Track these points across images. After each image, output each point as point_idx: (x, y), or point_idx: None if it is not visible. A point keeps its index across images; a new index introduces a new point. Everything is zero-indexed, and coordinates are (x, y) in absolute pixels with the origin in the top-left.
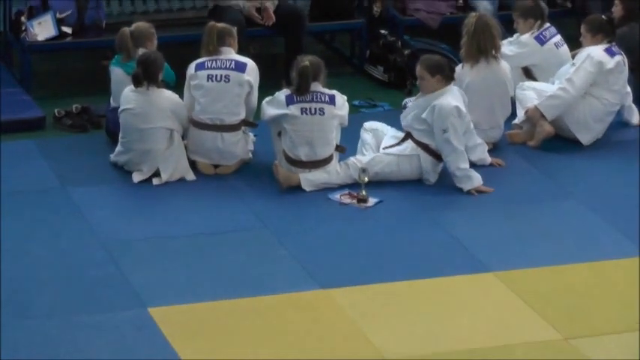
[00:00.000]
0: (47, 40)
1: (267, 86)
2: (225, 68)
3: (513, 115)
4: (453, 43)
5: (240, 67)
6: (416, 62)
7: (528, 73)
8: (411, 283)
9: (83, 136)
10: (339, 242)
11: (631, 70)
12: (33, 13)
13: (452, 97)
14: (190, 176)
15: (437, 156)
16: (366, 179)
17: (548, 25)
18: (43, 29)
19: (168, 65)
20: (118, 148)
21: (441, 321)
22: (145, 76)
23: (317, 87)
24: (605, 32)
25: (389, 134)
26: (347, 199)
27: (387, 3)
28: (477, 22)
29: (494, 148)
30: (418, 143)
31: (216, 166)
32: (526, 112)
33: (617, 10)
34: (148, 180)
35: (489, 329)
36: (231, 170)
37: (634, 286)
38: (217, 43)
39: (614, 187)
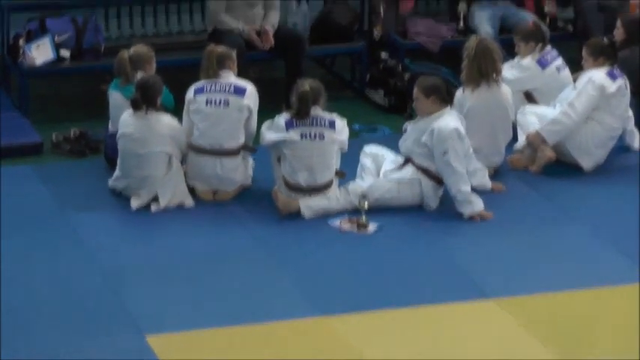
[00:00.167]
0: (45, 64)
1: (267, 110)
2: (225, 92)
3: (514, 139)
4: (454, 67)
5: (240, 92)
6: None
7: (529, 97)
8: (412, 310)
9: (81, 162)
10: (340, 268)
11: (633, 93)
12: (31, 37)
13: (451, 119)
14: (189, 202)
15: (438, 180)
16: (367, 205)
17: (549, 48)
18: (41, 53)
19: (167, 89)
20: (117, 173)
21: (441, 349)
22: (143, 101)
23: (317, 111)
24: (607, 55)
25: (389, 159)
26: (347, 225)
27: (388, 26)
28: (478, 45)
29: (495, 174)
30: (419, 168)
31: (215, 192)
32: (527, 137)
33: (618, 33)
34: (147, 205)
35: (490, 358)
36: (231, 196)
37: (636, 313)
38: (217, 67)
39: (616, 212)
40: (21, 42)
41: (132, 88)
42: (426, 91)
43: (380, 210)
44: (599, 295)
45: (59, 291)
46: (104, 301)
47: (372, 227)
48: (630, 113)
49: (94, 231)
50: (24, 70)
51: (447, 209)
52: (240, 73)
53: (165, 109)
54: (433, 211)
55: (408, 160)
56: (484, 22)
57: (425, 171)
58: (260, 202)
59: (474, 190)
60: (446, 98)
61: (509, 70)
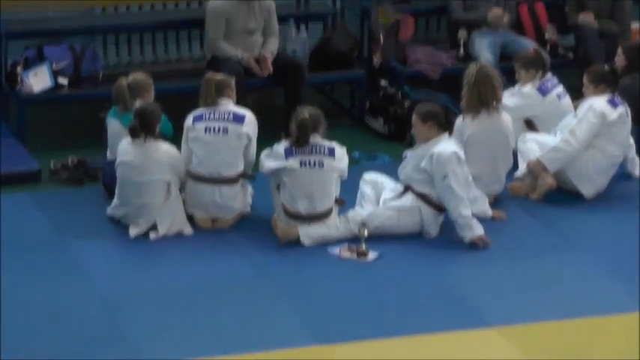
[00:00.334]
0: (43, 91)
1: (266, 138)
2: (224, 120)
3: (515, 167)
4: (454, 95)
5: (239, 119)
6: None
7: (530, 125)
8: (412, 339)
9: (80, 189)
10: (339, 296)
11: (634, 121)
12: (29, 64)
13: (449, 144)
14: (188, 230)
15: (438, 207)
16: (366, 233)
17: (550, 75)
18: (38, 80)
19: (166, 117)
20: (115, 201)
21: None
22: (142, 129)
23: (316, 139)
24: (608, 83)
25: (388, 187)
26: (346, 254)
27: (388, 54)
28: (478, 72)
29: (496, 201)
30: (418, 195)
31: (214, 220)
32: (528, 165)
33: (619, 60)
34: (145, 233)
35: None
36: (230, 224)
37: (636, 342)
38: (215, 95)
39: (617, 240)
40: (19, 69)
41: (130, 116)
42: (423, 117)
43: (380, 238)
44: (600, 323)
45: (57, 318)
46: (102, 329)
47: (371, 255)
48: (631, 141)
49: (93, 259)
50: (22, 98)
51: (447, 237)
52: (239, 101)
53: (164, 137)
54: (433, 239)
55: (407, 188)
56: (484, 50)
57: (425, 198)
58: (259, 230)
59: (474, 216)
60: (443, 124)
61: (509, 98)
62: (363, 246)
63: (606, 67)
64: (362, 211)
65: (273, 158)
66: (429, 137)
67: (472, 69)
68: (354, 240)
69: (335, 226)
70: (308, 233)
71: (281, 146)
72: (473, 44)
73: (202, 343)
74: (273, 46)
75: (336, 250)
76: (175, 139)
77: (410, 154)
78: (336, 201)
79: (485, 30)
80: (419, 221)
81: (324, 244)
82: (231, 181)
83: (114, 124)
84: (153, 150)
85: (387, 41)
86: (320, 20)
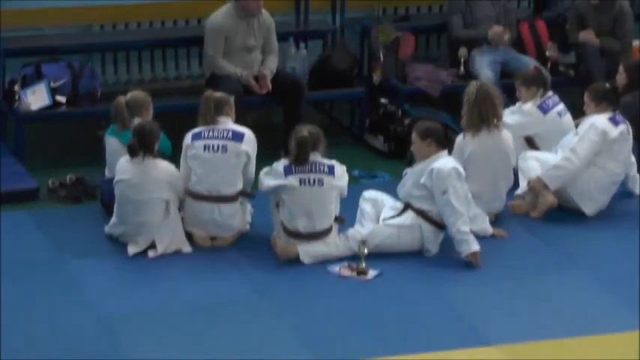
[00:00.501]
0: (41, 109)
1: (266, 156)
2: (223, 138)
3: (516, 185)
4: (454, 112)
5: (238, 137)
6: None
7: (531, 143)
8: (412, 357)
9: (78, 208)
10: (339, 315)
11: (635, 139)
12: (26, 82)
13: (449, 160)
14: (187, 248)
15: (438, 224)
16: (366, 251)
17: (551, 93)
18: (36, 98)
19: (164, 135)
20: (113, 219)
21: None
22: (140, 147)
23: (316, 157)
24: (609, 101)
25: (388, 205)
26: (346, 272)
27: (388, 71)
28: (478, 90)
29: (496, 219)
30: (418, 212)
31: (213, 238)
32: (529, 183)
33: (620, 78)
34: (144, 252)
35: None
36: (229, 242)
37: None
38: (214, 113)
39: (618, 258)
40: (16, 87)
41: (129, 134)
42: (422, 134)
43: (380, 256)
44: (601, 342)
45: (56, 337)
46: (100, 347)
47: (371, 273)
48: (633, 159)
49: (91, 277)
50: (20, 116)
51: (448, 254)
52: (238, 119)
53: (163, 155)
54: (433, 257)
55: (407, 206)
56: (485, 67)
57: (425, 215)
58: (258, 248)
59: (474, 234)
60: (442, 142)
61: (510, 116)
62: (363, 264)
63: (607, 84)
64: (362, 229)
65: (273, 176)
66: (427, 154)
67: (472, 87)
68: (353, 258)
69: (335, 244)
70: (307, 251)
71: (280, 164)
72: (473, 62)
73: None
74: (272, 64)
75: (335, 268)
76: (174, 157)
77: (409, 172)
78: (336, 219)
79: (486, 48)
80: (419, 239)
81: (323, 262)
82: (230, 199)
83: (112, 142)
84: (151, 168)
85: (387, 59)
86: (320, 38)
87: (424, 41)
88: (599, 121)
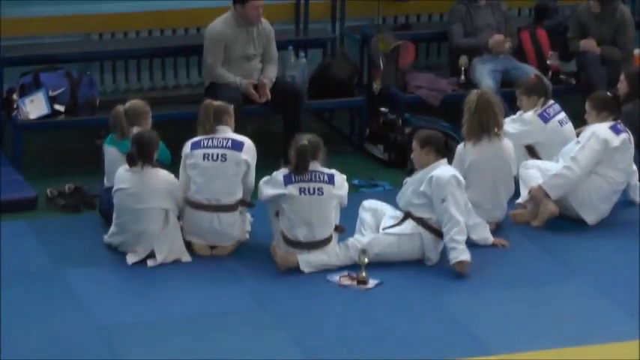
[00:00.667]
0: (39, 118)
1: (265, 165)
2: (222, 147)
3: (517, 194)
4: (455, 121)
5: (237, 146)
6: None
7: (532, 152)
8: None
9: (76, 217)
10: (339, 325)
11: (637, 147)
12: (25, 91)
13: (448, 168)
14: (186, 257)
15: (438, 233)
16: (366, 260)
17: (552, 102)
18: (35, 107)
19: (163, 144)
20: (112, 229)
21: None
22: (139, 156)
23: (316, 166)
24: (611, 109)
25: (388, 214)
26: (346, 281)
27: (388, 80)
28: (479, 99)
29: (497, 229)
30: (418, 221)
31: (212, 247)
32: (530, 192)
33: (622, 86)
34: (143, 261)
35: None
36: (228, 251)
37: None
38: (214, 122)
39: (619, 267)
40: (15, 96)
41: (128, 143)
42: (422, 142)
43: (380, 265)
44: (601, 351)
45: (54, 347)
46: (99, 358)
47: (372, 283)
48: (634, 167)
49: (90, 286)
50: (18, 125)
51: (448, 263)
52: (238, 128)
53: (162, 164)
54: (434, 266)
55: (407, 215)
56: (485, 76)
57: (425, 223)
58: (258, 257)
59: (475, 245)
60: (441, 150)
61: (511, 124)
62: (363, 273)
63: (609, 93)
64: (362, 238)
65: (272, 185)
66: (426, 163)
67: (473, 95)
68: (353, 267)
69: (335, 253)
70: (307, 261)
71: (280, 173)
72: (474, 71)
73: None
74: (271, 73)
75: (335, 278)
76: (173, 166)
77: (409, 180)
78: (336, 228)
79: (487, 56)
80: (419, 247)
81: (323, 271)
82: (229, 208)
83: (111, 152)
84: (150, 177)
85: (387, 67)
86: (319, 46)
87: (424, 50)
88: (600, 129)
